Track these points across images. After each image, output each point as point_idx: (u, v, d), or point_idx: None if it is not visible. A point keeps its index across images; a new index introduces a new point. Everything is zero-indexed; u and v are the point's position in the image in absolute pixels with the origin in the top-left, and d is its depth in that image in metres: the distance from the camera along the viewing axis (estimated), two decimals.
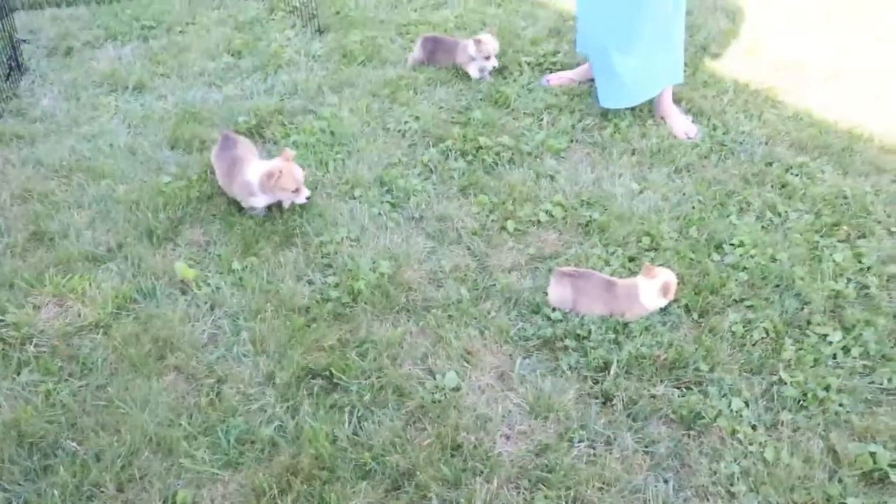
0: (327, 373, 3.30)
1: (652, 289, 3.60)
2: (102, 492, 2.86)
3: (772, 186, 4.63)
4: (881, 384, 3.35)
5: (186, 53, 6.22)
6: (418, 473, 2.90)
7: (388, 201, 4.39)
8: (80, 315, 3.62)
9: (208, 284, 3.78)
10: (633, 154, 4.91)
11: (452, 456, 2.99)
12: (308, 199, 4.19)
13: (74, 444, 3.03)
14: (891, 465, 2.97)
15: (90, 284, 3.76)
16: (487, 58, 5.59)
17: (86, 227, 4.17)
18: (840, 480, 2.94)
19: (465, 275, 3.88)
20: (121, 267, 3.90)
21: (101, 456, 2.97)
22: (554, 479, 2.90)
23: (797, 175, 4.71)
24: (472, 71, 5.68)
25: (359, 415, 3.15)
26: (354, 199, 4.41)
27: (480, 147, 4.84)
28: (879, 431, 3.13)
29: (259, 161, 4.30)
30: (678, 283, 3.73)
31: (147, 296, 3.74)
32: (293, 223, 4.18)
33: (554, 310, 3.65)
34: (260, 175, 4.05)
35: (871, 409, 3.24)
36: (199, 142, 4.93)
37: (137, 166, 4.70)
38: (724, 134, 5.14)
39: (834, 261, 4.02)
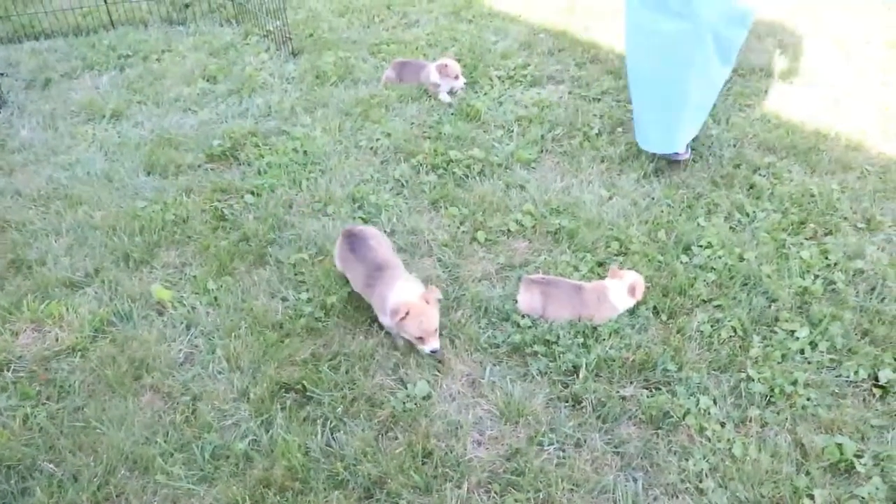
0: (300, 386, 3.34)
1: (621, 289, 3.66)
2: None
3: (740, 188, 4.71)
4: (847, 377, 3.41)
5: (162, 80, 6.30)
6: (390, 481, 2.94)
7: (360, 217, 4.45)
8: (57, 339, 3.66)
9: (184, 305, 3.83)
10: (603, 161, 4.99)
11: (424, 463, 3.02)
12: (434, 352, 3.44)
13: (52, 465, 3.06)
14: (856, 456, 3.02)
15: (67, 309, 3.80)
16: (456, 77, 5.68)
17: (63, 253, 4.22)
18: (807, 473, 2.99)
19: (436, 286, 3.91)
20: (98, 291, 3.94)
21: (79, 476, 3.00)
22: (524, 482, 2.94)
23: (765, 175, 4.80)
24: (443, 96, 5.77)
25: (331, 426, 3.19)
26: (327, 216, 4.47)
27: (451, 160, 4.92)
28: (846, 423, 3.18)
29: (402, 280, 3.52)
30: (647, 286, 3.79)
31: (124, 318, 3.78)
32: (266, 242, 4.23)
33: (523, 317, 3.70)
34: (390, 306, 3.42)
35: (838, 402, 3.29)
36: (174, 166, 5.00)
37: (114, 192, 4.76)
38: (692, 140, 5.20)
39: (801, 258, 4.08)
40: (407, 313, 3.30)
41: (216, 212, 4.52)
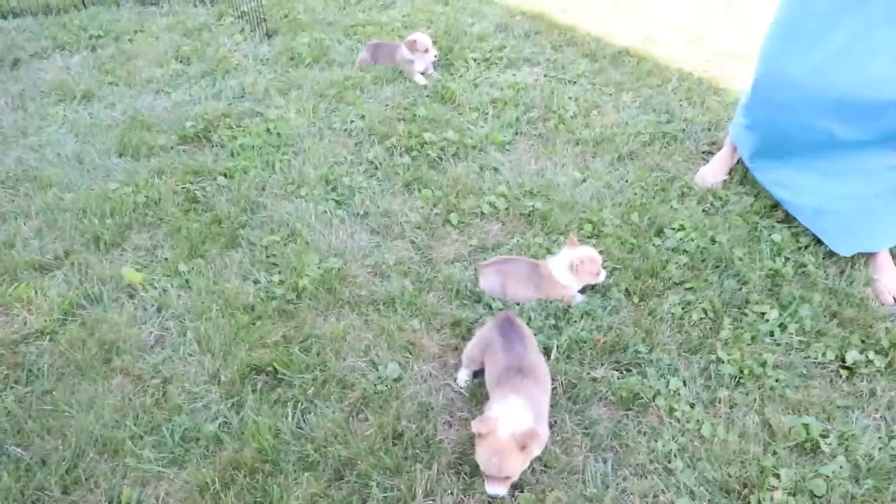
0: (271, 368, 3.33)
1: (561, 265, 3.67)
2: (48, 495, 2.86)
3: None
4: (816, 358, 3.45)
5: (135, 61, 6.22)
6: (360, 463, 2.95)
7: (333, 199, 4.43)
8: (26, 323, 3.62)
9: (155, 287, 3.80)
10: (577, 144, 4.99)
11: (394, 444, 3.03)
12: (493, 497, 2.79)
13: (19, 450, 3.03)
14: (822, 436, 3.07)
15: (37, 292, 3.76)
16: (426, 51, 5.65)
17: (33, 236, 4.16)
18: (774, 453, 3.02)
19: (409, 268, 3.93)
20: (67, 274, 3.90)
21: (47, 460, 2.98)
22: None
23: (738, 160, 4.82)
24: (417, 78, 5.73)
25: (302, 408, 3.18)
26: (300, 197, 4.45)
27: (425, 143, 4.90)
28: (813, 404, 3.22)
29: (523, 399, 2.81)
30: (618, 268, 3.80)
31: (94, 301, 3.74)
32: (239, 224, 4.21)
33: (495, 299, 3.71)
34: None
35: (806, 383, 3.34)
36: (146, 148, 4.94)
37: (85, 174, 4.70)
38: (667, 122, 5.23)
39: (772, 241, 4.12)
40: (481, 435, 2.66)
41: (188, 194, 4.48)
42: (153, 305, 3.71)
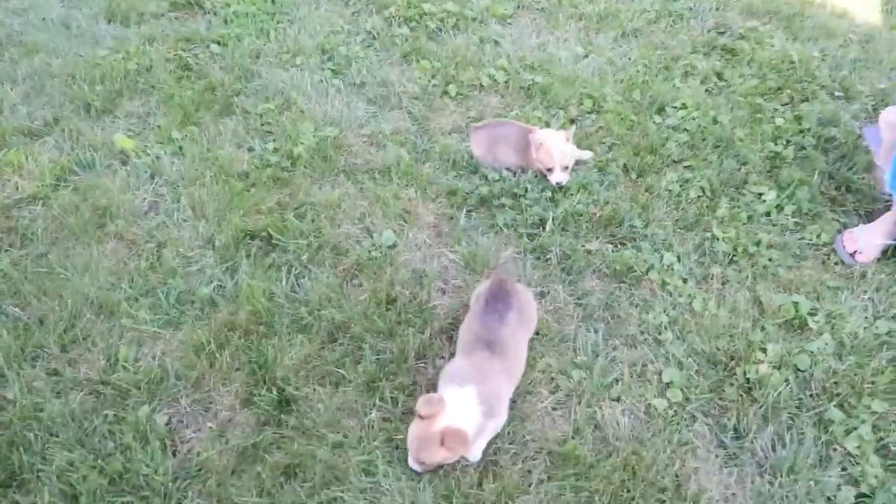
0: (266, 234, 3.33)
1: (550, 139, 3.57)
2: (47, 352, 2.91)
3: (722, 50, 4.61)
4: (810, 240, 3.46)
5: None
6: (353, 326, 2.98)
7: (329, 68, 4.32)
8: (17, 188, 3.58)
9: (148, 154, 3.75)
10: (581, 19, 4.84)
11: (387, 309, 3.06)
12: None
13: (17, 309, 3.05)
14: (810, 314, 3.10)
15: (27, 158, 3.70)
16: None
17: (20, 101, 4.07)
18: (763, 328, 3.07)
19: (405, 138, 3.87)
20: (58, 140, 3.84)
21: (44, 320, 3.01)
22: None
23: (745, 39, 4.69)
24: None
25: (296, 273, 3.20)
26: (296, 66, 4.33)
27: (424, 13, 4.74)
28: (804, 283, 3.25)
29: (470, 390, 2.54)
30: (617, 144, 3.76)
31: (86, 167, 3.70)
32: (233, 91, 4.11)
33: (492, 171, 3.67)
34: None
35: (798, 264, 3.35)
36: (136, 14, 4.78)
37: (72, 40, 4.55)
38: (674, 0, 5.06)
39: (775, 123, 4.05)
40: (420, 416, 2.45)
41: (181, 61, 4.36)
42: (146, 172, 3.67)
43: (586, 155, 3.75)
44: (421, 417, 2.42)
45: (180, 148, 3.78)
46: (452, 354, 2.89)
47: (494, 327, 2.66)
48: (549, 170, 3.56)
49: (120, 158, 3.75)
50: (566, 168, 3.57)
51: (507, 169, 3.68)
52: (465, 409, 2.46)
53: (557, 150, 3.51)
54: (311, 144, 3.75)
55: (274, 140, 3.83)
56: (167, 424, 2.72)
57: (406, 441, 2.52)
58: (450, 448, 2.39)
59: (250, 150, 3.79)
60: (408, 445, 2.51)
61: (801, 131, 4.02)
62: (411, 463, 2.52)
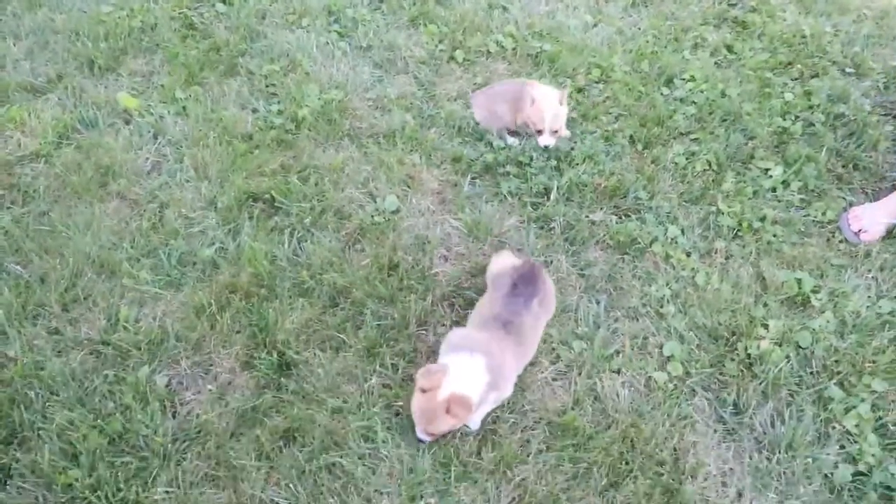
0: (269, 197, 3.31)
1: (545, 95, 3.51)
2: (48, 311, 2.91)
3: (733, 22, 4.55)
4: (815, 217, 3.44)
5: None
6: (355, 291, 2.97)
7: (335, 31, 4.27)
8: (20, 145, 3.56)
9: (151, 113, 3.71)
10: None
11: (389, 275, 3.05)
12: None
13: (18, 267, 3.05)
14: (813, 291, 3.09)
15: (30, 115, 3.67)
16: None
17: (23, 57, 4.03)
18: (765, 304, 3.06)
19: (411, 103, 3.83)
20: (61, 97, 3.80)
21: (46, 278, 3.01)
22: None
23: (757, 12, 4.62)
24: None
25: (298, 236, 3.18)
26: (302, 28, 4.28)
27: None
28: (808, 260, 3.23)
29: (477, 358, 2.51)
30: (624, 115, 3.72)
31: (89, 125, 3.67)
32: (238, 52, 4.07)
33: (498, 139, 3.64)
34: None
35: (803, 240, 3.33)
36: None
37: None
38: None
39: (783, 98, 4.01)
40: (422, 389, 2.43)
41: (186, 20, 4.30)
42: (149, 131, 3.64)
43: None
44: (421, 389, 2.39)
45: (184, 108, 3.74)
46: (455, 322, 2.90)
47: (517, 311, 2.63)
48: (539, 132, 3.52)
49: (123, 117, 3.72)
50: (555, 132, 3.52)
51: (512, 133, 3.64)
52: (471, 375, 2.43)
53: (550, 111, 3.45)
54: (315, 107, 3.71)
55: (278, 102, 3.79)
56: (167, 386, 2.73)
57: (408, 409, 2.51)
58: (455, 415, 2.37)
59: (254, 111, 3.76)
60: (414, 419, 2.48)
61: (811, 107, 3.97)
62: (419, 434, 2.51)
